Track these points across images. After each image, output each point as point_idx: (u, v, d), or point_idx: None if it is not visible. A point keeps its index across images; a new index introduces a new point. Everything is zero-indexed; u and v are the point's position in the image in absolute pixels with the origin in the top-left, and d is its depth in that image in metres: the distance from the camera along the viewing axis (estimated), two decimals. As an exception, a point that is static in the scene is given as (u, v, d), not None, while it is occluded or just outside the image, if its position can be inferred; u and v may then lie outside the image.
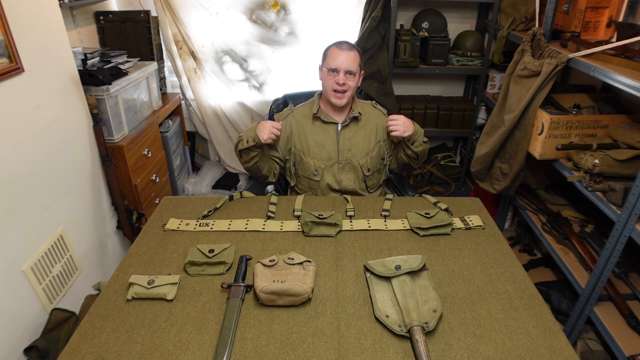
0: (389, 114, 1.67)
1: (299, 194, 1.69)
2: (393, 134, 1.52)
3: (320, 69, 1.61)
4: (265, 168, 1.62)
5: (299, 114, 1.66)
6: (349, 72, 1.52)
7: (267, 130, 1.49)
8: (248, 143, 1.50)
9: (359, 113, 1.63)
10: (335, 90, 1.54)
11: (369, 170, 1.65)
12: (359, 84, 1.62)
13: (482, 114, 2.98)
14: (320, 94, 1.67)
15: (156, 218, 1.41)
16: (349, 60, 1.52)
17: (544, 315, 1.04)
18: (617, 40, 1.63)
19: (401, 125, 1.51)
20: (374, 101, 1.73)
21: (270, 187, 1.83)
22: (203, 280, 1.14)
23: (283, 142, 1.66)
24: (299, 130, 1.64)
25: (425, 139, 1.60)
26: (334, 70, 1.53)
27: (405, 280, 1.08)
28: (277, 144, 1.65)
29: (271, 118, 1.91)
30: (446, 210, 1.44)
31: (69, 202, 1.75)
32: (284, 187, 1.94)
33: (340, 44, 1.55)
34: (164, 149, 2.56)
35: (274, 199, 1.51)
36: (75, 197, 1.80)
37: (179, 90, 3.04)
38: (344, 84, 1.52)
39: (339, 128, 1.62)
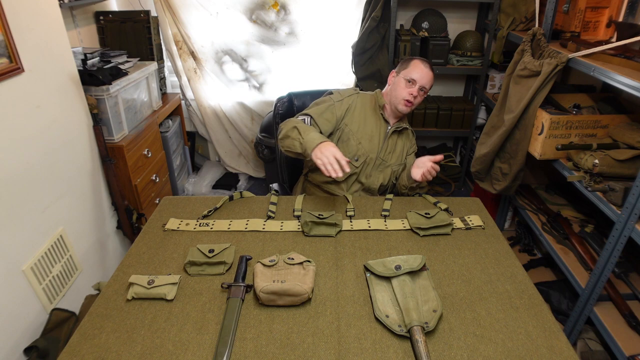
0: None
1: (321, 175, 1.66)
2: (418, 176, 1.51)
3: (393, 74, 1.66)
4: None
5: (362, 99, 1.69)
6: (422, 88, 1.59)
7: (327, 157, 1.31)
8: (298, 152, 1.42)
9: (407, 127, 1.71)
10: (405, 99, 1.59)
11: (396, 179, 1.72)
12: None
13: (482, 114, 2.98)
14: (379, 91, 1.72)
15: (156, 218, 1.41)
16: (427, 78, 1.60)
17: (544, 315, 1.04)
18: (617, 40, 1.63)
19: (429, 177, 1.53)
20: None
21: (274, 185, 1.83)
22: (203, 280, 1.14)
23: (338, 119, 1.62)
24: (358, 113, 1.65)
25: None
26: (411, 81, 1.58)
27: (405, 280, 1.08)
28: (326, 124, 1.59)
29: (276, 116, 1.89)
30: (446, 210, 1.44)
31: (69, 202, 1.75)
32: (291, 183, 1.94)
33: (424, 61, 1.62)
34: (164, 149, 2.57)
35: (274, 198, 1.51)
36: (75, 197, 1.80)
37: (179, 90, 3.04)
38: (415, 97, 1.59)
39: (389, 130, 1.67)
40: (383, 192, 1.73)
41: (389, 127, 1.67)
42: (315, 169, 1.69)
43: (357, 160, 1.64)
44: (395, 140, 1.69)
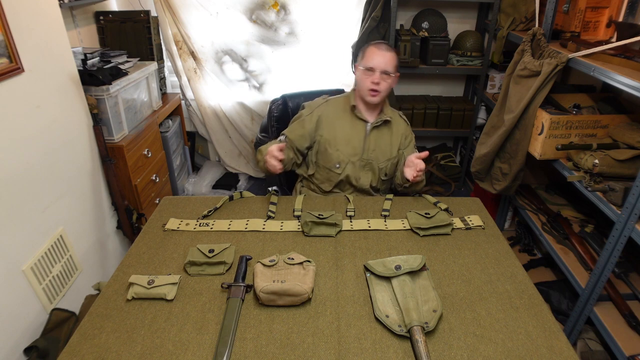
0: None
1: (313, 184, 1.69)
2: (410, 175, 1.51)
3: (357, 67, 1.61)
4: (286, 165, 1.61)
5: (333, 105, 1.66)
6: (384, 72, 1.54)
7: (271, 160, 1.43)
8: (266, 170, 1.51)
9: (390, 118, 1.64)
10: (369, 89, 1.55)
11: (385, 175, 1.68)
12: (394, 85, 1.62)
13: (482, 114, 2.98)
14: (353, 90, 1.69)
15: (156, 218, 1.41)
16: (385, 61, 1.53)
17: (544, 315, 1.04)
18: (617, 40, 1.63)
19: (422, 174, 1.54)
20: (400, 111, 1.75)
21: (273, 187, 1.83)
22: (203, 280, 1.14)
23: (310, 133, 1.63)
24: (329, 121, 1.63)
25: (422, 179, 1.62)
26: (370, 70, 1.54)
27: (405, 280, 1.08)
28: (300, 139, 1.63)
29: (271, 118, 1.90)
30: (446, 210, 1.44)
31: (69, 202, 1.75)
32: (290, 185, 1.93)
33: (378, 44, 1.57)
34: (164, 149, 2.57)
35: (274, 198, 1.51)
36: (75, 197, 1.80)
37: (179, 90, 3.04)
38: (378, 84, 1.53)
39: (368, 127, 1.63)
40: (377, 190, 1.72)
41: (368, 125, 1.63)
42: (305, 178, 1.72)
43: (338, 167, 1.62)
44: (380, 135, 1.64)
